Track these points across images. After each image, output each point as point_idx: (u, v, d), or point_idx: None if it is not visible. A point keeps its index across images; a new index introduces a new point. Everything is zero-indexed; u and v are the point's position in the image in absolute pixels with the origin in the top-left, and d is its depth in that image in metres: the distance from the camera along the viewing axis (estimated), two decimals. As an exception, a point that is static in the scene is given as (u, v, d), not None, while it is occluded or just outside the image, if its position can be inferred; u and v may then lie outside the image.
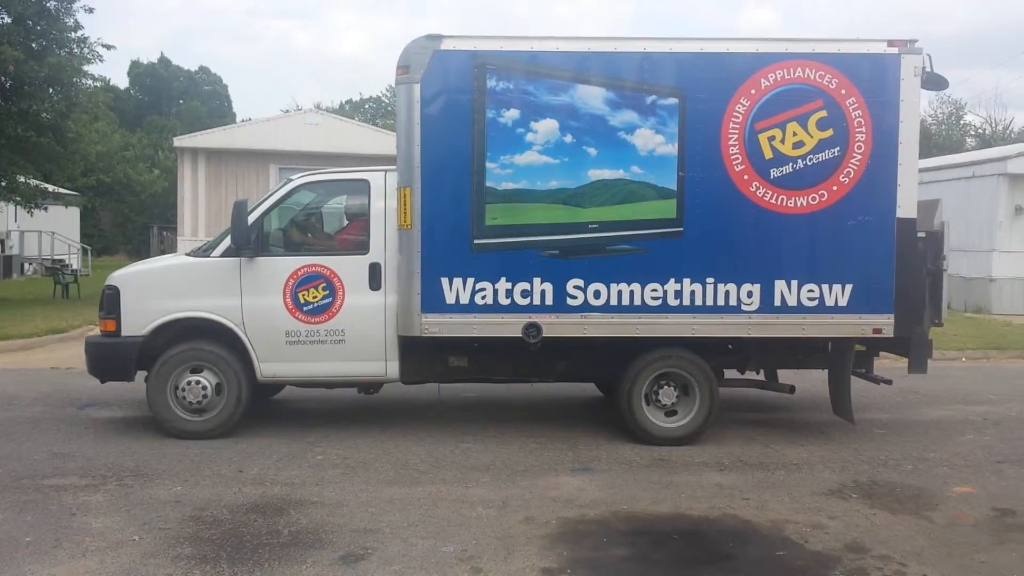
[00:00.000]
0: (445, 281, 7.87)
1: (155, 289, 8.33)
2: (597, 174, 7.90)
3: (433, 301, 7.88)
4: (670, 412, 8.29)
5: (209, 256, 8.29)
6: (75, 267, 29.52)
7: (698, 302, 7.98)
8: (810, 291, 8.01)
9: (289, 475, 7.16)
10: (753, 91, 7.88)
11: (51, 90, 21.11)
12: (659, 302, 7.97)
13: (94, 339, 8.49)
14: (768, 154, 7.90)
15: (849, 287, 8.00)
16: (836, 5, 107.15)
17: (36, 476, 7.05)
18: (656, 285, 7.96)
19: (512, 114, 7.84)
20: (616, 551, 5.62)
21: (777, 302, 8.00)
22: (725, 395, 9.15)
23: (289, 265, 8.15)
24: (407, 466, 7.47)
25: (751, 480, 7.17)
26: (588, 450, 8.02)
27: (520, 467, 7.48)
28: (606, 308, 7.95)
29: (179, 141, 26.04)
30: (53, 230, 32.53)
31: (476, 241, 7.85)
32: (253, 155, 24.83)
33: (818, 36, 8.16)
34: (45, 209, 24.56)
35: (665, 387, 8.26)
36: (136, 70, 69.33)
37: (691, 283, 7.97)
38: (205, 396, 8.16)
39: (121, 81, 66.64)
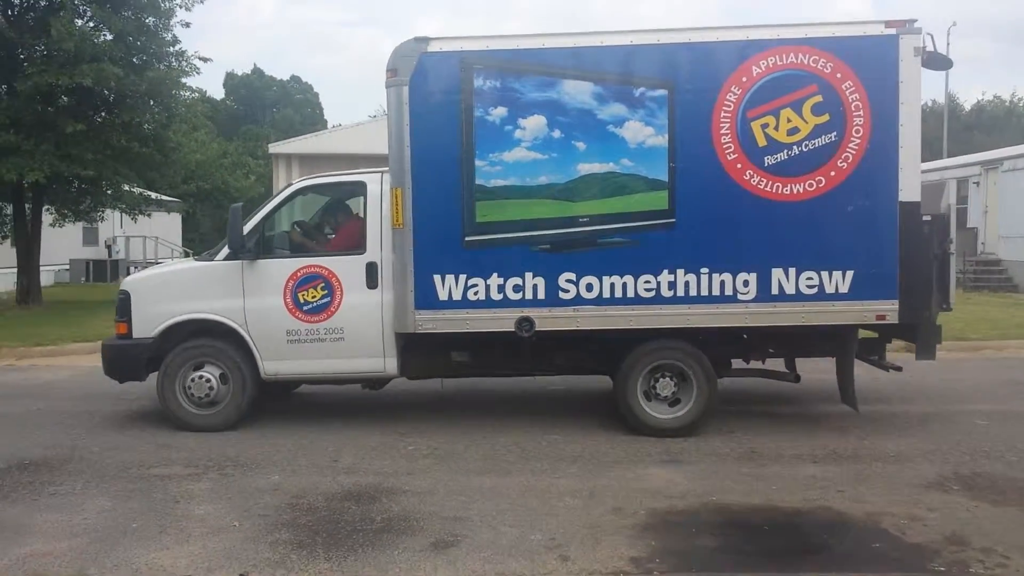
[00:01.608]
0: (438, 278, 8.03)
1: (163, 293, 8.74)
2: (587, 168, 7.93)
3: (426, 298, 8.05)
4: (669, 403, 8.26)
5: (214, 260, 8.67)
6: (179, 271, 30.81)
7: (692, 292, 7.93)
8: (809, 279, 7.87)
9: (381, 464, 7.40)
10: (744, 79, 7.79)
11: (152, 102, 22.05)
12: (652, 293, 7.95)
13: (108, 342, 8.96)
14: (762, 141, 7.80)
15: (850, 273, 7.84)
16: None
17: (143, 466, 7.44)
18: (649, 277, 7.94)
19: (500, 112, 7.94)
20: (706, 542, 5.59)
21: (775, 290, 7.90)
22: (817, 385, 9.07)
23: (289, 266, 8.45)
24: (495, 456, 7.61)
25: (846, 472, 6.99)
26: (676, 442, 7.95)
27: (608, 458, 7.49)
28: (599, 301, 7.97)
29: (273, 148, 27.00)
30: (156, 235, 34.29)
31: (467, 238, 7.98)
32: (344, 159, 25.37)
33: (812, 20, 7.99)
34: (148, 215, 25.77)
35: (663, 379, 8.23)
36: (231, 81, 72.55)
37: (685, 274, 7.93)
38: (211, 390, 8.53)
39: (217, 92, 69.87)
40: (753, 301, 7.91)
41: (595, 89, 7.91)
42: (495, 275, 8.01)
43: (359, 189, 8.61)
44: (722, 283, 7.92)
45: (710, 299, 7.93)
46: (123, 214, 25.63)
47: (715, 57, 7.87)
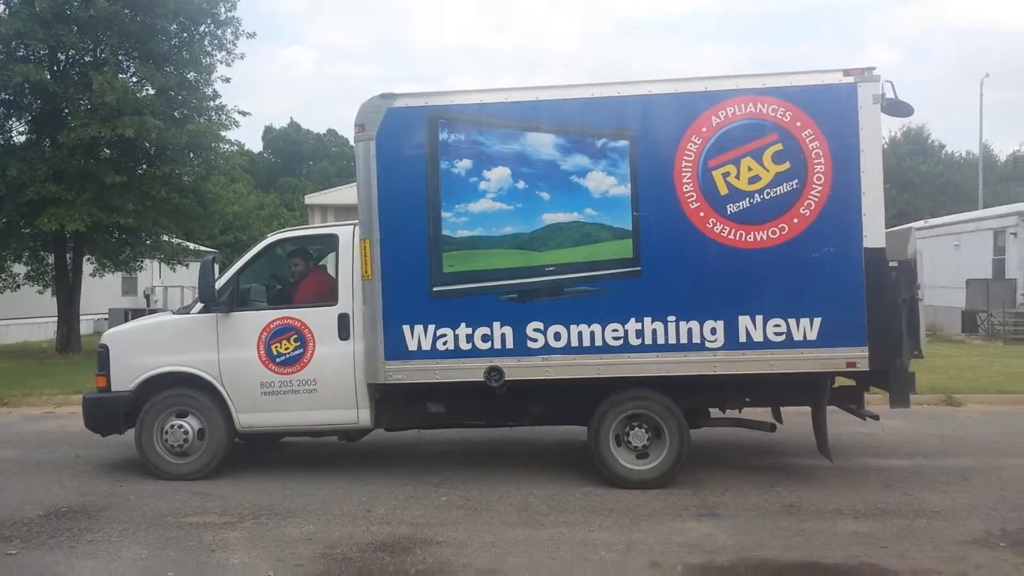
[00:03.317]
0: (407, 328, 8.15)
1: (140, 346, 8.96)
2: (551, 218, 8.04)
3: (396, 348, 8.17)
4: (641, 455, 8.24)
5: (189, 313, 8.88)
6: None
7: (660, 340, 7.95)
8: (776, 326, 7.85)
9: (414, 515, 7.47)
10: (704, 128, 7.87)
11: (191, 155, 22.81)
12: (620, 342, 7.98)
13: (88, 395, 9.17)
14: (723, 190, 7.85)
15: (818, 321, 7.81)
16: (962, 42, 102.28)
17: (178, 514, 7.59)
18: (617, 325, 7.98)
19: (465, 164, 8.10)
20: (746, 598, 5.50)
21: (742, 338, 7.89)
22: (861, 439, 9.11)
23: (262, 319, 8.63)
24: (529, 508, 7.61)
25: (890, 528, 6.89)
26: (713, 495, 7.93)
27: (644, 511, 7.45)
28: (567, 350, 8.03)
29: (310, 199, 27.61)
30: (194, 285, 34.85)
31: (435, 288, 8.10)
32: (377, 209, 25.90)
33: (771, 71, 8.05)
34: (187, 266, 26.36)
35: (635, 429, 8.23)
36: (269, 135, 75.36)
37: (652, 322, 7.96)
38: (187, 440, 8.71)
39: (255, 145, 72.78)
40: (721, 349, 7.91)
41: (557, 141, 8.04)
42: (463, 325, 8.11)
43: (331, 241, 8.82)
44: (689, 331, 7.93)
45: (678, 347, 7.94)
46: (162, 264, 26.25)
47: (674, 108, 7.96)
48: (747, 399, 8.78)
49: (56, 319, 23.31)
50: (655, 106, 7.99)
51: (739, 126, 7.85)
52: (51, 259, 23.05)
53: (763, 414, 9.18)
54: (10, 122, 22.14)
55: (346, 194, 27.63)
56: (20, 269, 23.19)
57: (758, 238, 7.83)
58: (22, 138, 22.19)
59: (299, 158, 75.21)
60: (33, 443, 11.26)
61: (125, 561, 6.40)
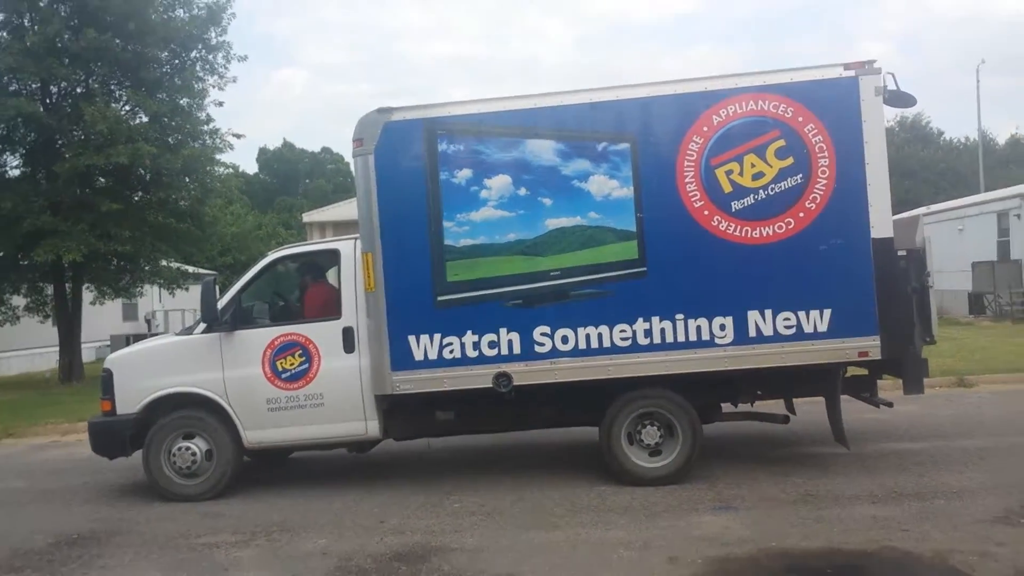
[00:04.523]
0: (412, 339, 8.11)
1: (144, 369, 8.91)
2: (555, 223, 8.02)
3: (402, 359, 8.13)
4: (654, 452, 8.20)
5: (192, 333, 8.84)
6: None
7: (669, 339, 7.93)
8: (786, 319, 7.85)
9: (428, 523, 7.42)
10: (705, 128, 7.87)
11: (187, 179, 22.66)
12: (629, 342, 7.96)
13: (94, 420, 9.09)
14: (727, 188, 7.84)
15: (828, 312, 7.81)
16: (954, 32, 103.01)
17: (190, 535, 7.53)
18: (624, 326, 7.96)
19: (465, 173, 8.07)
20: (767, 588, 5.47)
21: (752, 333, 7.88)
22: (873, 425, 9.21)
23: (266, 336, 8.59)
24: (544, 511, 7.58)
25: (908, 510, 6.89)
26: (729, 488, 7.91)
27: (659, 507, 7.43)
28: (575, 352, 8.00)
29: (307, 216, 27.66)
30: (195, 308, 34.79)
31: (439, 298, 8.07)
32: (375, 223, 25.98)
33: (771, 68, 8.06)
34: (186, 289, 26.30)
35: (648, 427, 8.19)
36: (264, 156, 76.08)
37: (660, 321, 7.94)
38: (195, 461, 8.63)
39: (251, 167, 73.12)
40: (731, 344, 7.89)
41: (558, 146, 8.03)
42: (469, 332, 8.07)
43: (333, 256, 8.79)
44: (698, 328, 7.91)
45: (687, 345, 7.92)
46: (162, 289, 26.19)
47: (674, 109, 7.97)
48: (759, 393, 8.76)
49: (58, 348, 23.19)
50: (655, 108, 8.00)
51: (740, 124, 7.85)
52: (50, 290, 22.92)
53: (776, 406, 9.14)
54: (3, 156, 22.07)
55: (344, 210, 27.63)
56: (19, 301, 23.09)
57: (764, 233, 7.82)
58: (16, 172, 22.13)
59: (295, 177, 75.62)
60: (40, 472, 11.17)
61: (138, 586, 6.32)
